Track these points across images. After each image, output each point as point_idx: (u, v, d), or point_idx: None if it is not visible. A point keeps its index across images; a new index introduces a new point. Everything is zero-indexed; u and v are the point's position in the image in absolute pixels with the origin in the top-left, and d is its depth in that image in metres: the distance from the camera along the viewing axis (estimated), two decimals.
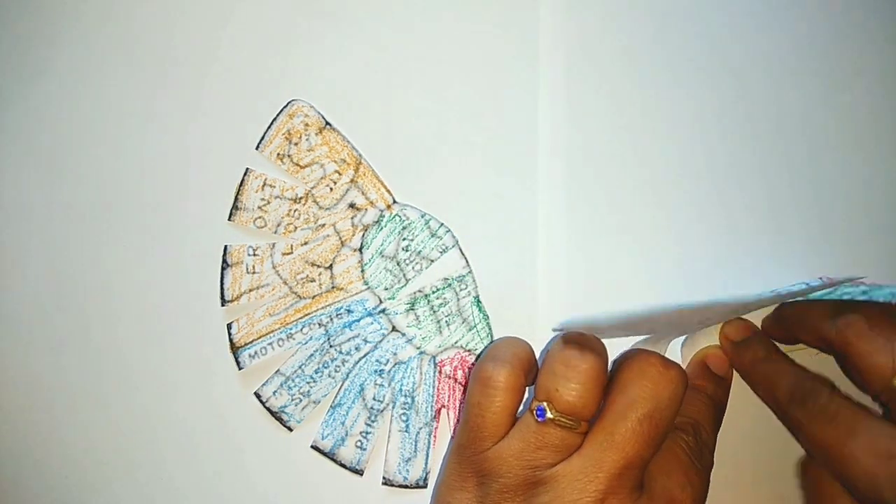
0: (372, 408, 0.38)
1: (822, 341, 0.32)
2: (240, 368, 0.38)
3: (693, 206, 0.39)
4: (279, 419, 0.38)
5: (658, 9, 0.38)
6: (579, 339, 0.31)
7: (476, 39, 0.38)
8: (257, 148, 0.38)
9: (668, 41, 0.38)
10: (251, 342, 0.38)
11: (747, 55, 0.38)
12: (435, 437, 0.37)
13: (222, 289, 0.38)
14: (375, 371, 0.38)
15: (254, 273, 0.38)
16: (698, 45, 0.38)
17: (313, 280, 0.38)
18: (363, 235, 0.38)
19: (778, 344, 0.35)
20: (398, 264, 0.38)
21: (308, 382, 0.38)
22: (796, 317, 0.33)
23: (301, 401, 0.38)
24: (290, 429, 0.38)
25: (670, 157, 0.39)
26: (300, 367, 0.38)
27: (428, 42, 0.39)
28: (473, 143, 0.38)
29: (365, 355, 0.38)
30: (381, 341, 0.38)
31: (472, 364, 0.37)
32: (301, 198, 0.38)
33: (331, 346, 0.38)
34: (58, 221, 0.38)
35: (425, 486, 0.37)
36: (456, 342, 0.38)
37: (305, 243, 0.38)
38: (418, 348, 0.38)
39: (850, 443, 0.29)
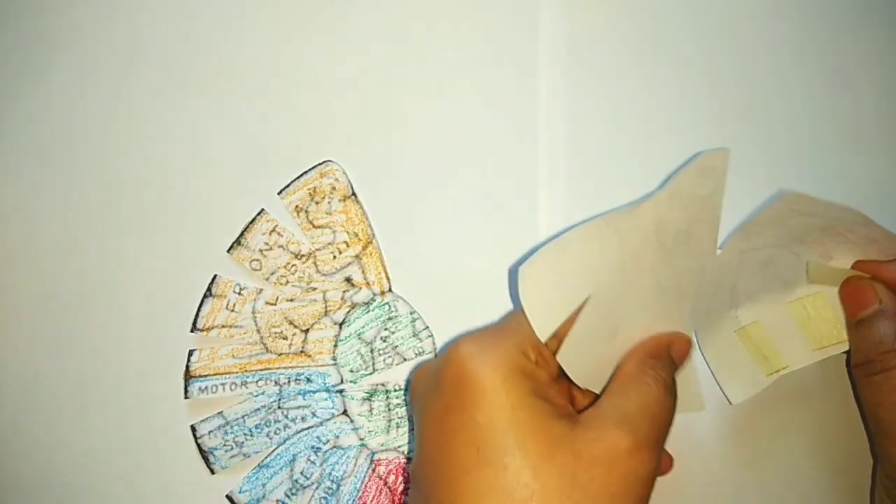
0: (296, 481, 0.37)
1: None
2: (185, 397, 0.37)
3: None
4: (205, 459, 0.37)
5: (658, 9, 0.38)
6: None
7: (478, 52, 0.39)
8: (279, 193, 0.38)
9: (667, 41, 0.38)
10: (206, 376, 0.37)
11: (748, 54, 0.38)
12: None
13: (197, 315, 0.38)
14: (312, 447, 0.37)
15: (232, 311, 0.38)
16: (698, 44, 0.38)
17: (286, 338, 0.38)
18: (349, 312, 0.38)
19: None
20: (371, 351, 0.38)
21: (245, 434, 0.37)
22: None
23: (232, 449, 0.37)
24: (212, 471, 0.37)
25: (670, 157, 0.38)
26: (243, 417, 0.37)
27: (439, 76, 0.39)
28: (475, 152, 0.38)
29: (308, 428, 0.37)
30: (328, 420, 0.38)
31: None
32: (303, 255, 0.38)
33: (279, 408, 0.37)
34: (58, 221, 0.38)
35: None
36: (399, 446, 0.37)
37: (291, 300, 0.38)
38: (361, 440, 0.37)
39: None
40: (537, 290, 0.29)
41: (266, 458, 0.37)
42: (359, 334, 0.38)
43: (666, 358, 0.31)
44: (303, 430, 0.37)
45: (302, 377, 0.38)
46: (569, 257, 0.30)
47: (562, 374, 0.31)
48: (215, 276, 0.38)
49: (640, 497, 0.27)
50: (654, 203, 0.31)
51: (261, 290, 0.38)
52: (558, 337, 0.30)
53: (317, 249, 0.38)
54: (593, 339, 0.31)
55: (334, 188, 0.38)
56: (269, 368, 0.38)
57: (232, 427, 0.37)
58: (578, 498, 0.26)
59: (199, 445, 0.37)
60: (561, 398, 0.29)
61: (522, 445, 0.26)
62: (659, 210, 0.31)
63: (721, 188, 0.32)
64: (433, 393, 0.29)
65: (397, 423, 0.37)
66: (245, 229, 0.38)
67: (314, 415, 0.37)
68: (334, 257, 0.38)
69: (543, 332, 0.29)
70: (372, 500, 0.37)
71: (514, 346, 0.29)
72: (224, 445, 0.37)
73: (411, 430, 0.37)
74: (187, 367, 0.37)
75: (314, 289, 0.38)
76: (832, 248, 0.34)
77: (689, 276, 0.33)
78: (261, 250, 0.38)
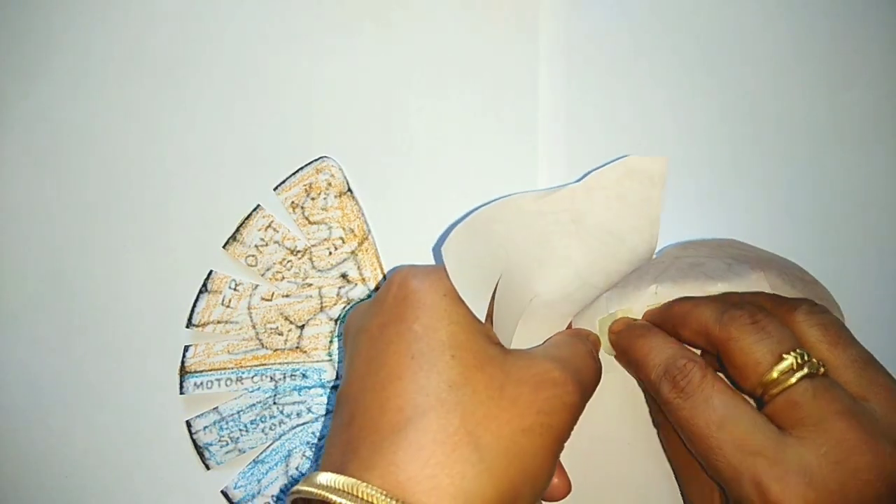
0: (292, 476, 0.37)
1: (705, 339, 0.31)
2: (181, 393, 0.37)
3: (693, 206, 0.38)
4: (200, 454, 0.37)
5: (657, 9, 0.38)
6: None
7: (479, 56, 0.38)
8: (275, 189, 0.38)
9: (667, 41, 0.38)
10: (201, 371, 0.37)
11: (747, 55, 0.38)
12: None
13: (192, 311, 0.38)
14: (308, 443, 0.37)
15: (228, 306, 0.38)
16: (698, 45, 0.38)
17: (281, 334, 0.38)
18: (344, 308, 0.38)
19: None
20: None
21: (241, 430, 0.37)
22: (684, 313, 0.32)
23: (227, 444, 0.37)
24: (207, 467, 0.37)
25: (670, 157, 0.38)
26: (238, 413, 0.37)
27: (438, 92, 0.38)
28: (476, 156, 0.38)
29: (303, 424, 0.37)
30: (324, 415, 0.38)
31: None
32: (299, 251, 0.38)
33: (274, 404, 0.37)
34: (58, 221, 0.38)
35: None
36: None
37: (287, 296, 0.38)
38: None
39: (718, 433, 0.28)
40: (461, 271, 0.29)
41: (261, 453, 0.37)
42: None
43: (589, 335, 0.33)
44: (298, 425, 0.37)
45: (297, 373, 0.38)
46: (480, 238, 0.30)
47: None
48: (211, 272, 0.38)
49: (564, 422, 0.28)
50: (569, 193, 0.31)
51: (256, 285, 0.38)
52: None
53: (312, 245, 0.38)
54: (509, 319, 0.31)
55: (330, 184, 0.38)
56: (265, 364, 0.38)
57: (227, 423, 0.37)
58: (507, 406, 0.27)
59: (194, 441, 0.37)
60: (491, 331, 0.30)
61: (456, 356, 0.27)
62: (575, 201, 0.31)
63: (657, 197, 0.32)
64: (371, 315, 0.29)
65: None
66: (241, 225, 0.38)
67: (309, 410, 0.38)
68: (330, 253, 0.38)
69: (479, 312, 0.29)
70: None
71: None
72: (219, 441, 0.37)
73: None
74: (183, 362, 0.37)
75: (310, 285, 0.38)
76: (763, 266, 0.35)
77: (617, 276, 0.33)
78: (256, 246, 0.38)
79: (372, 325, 0.29)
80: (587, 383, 0.30)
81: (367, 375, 0.28)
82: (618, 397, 0.35)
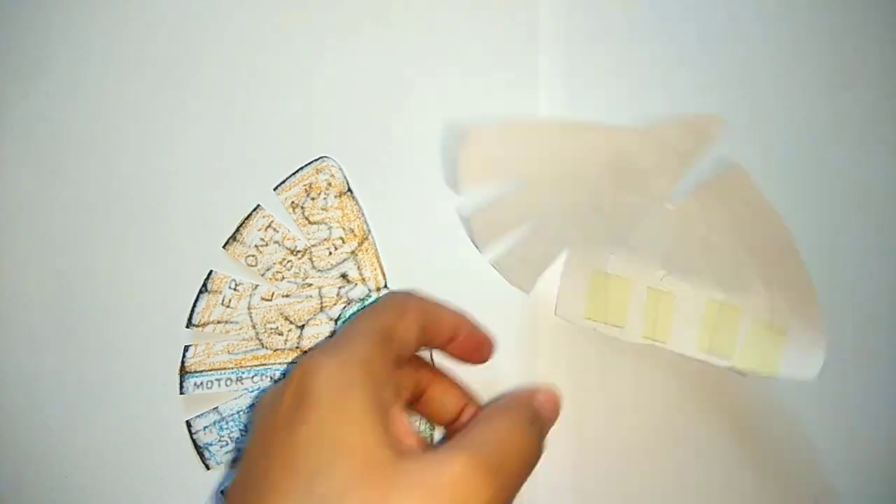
0: None
1: None
2: (181, 393, 0.37)
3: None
4: (200, 454, 0.37)
5: (657, 9, 0.38)
6: None
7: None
8: (275, 189, 0.38)
9: (667, 41, 0.38)
10: (201, 371, 0.37)
11: (747, 54, 0.38)
12: None
13: (192, 311, 0.38)
14: None
15: (228, 307, 0.38)
16: (697, 45, 0.38)
17: (281, 334, 0.38)
18: (344, 308, 0.38)
19: None
20: None
21: (241, 430, 0.37)
22: None
23: (227, 444, 0.37)
24: (207, 467, 0.37)
25: None
26: (238, 413, 0.37)
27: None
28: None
29: None
30: None
31: None
32: (299, 251, 0.38)
33: None
34: (58, 221, 0.38)
35: None
36: None
37: (287, 296, 0.38)
38: None
39: None
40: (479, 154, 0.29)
41: None
42: None
43: (535, 396, 0.32)
44: None
45: None
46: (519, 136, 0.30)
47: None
48: (211, 272, 0.38)
49: None
50: (628, 134, 0.31)
51: (256, 285, 0.38)
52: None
53: (312, 245, 0.38)
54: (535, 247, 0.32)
55: (330, 184, 0.38)
56: (265, 364, 0.38)
57: (227, 423, 0.37)
58: None
59: (194, 441, 0.37)
60: (402, 423, 0.30)
61: (339, 464, 0.25)
62: (628, 142, 0.32)
63: (702, 153, 0.32)
64: (270, 411, 0.29)
65: None
66: (241, 225, 0.38)
67: None
68: (330, 253, 0.38)
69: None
70: None
71: (359, 360, 0.28)
72: (219, 441, 0.37)
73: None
74: (182, 362, 0.37)
75: (310, 285, 0.38)
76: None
77: (630, 208, 0.34)
78: (256, 246, 0.38)
79: (267, 425, 0.28)
80: (512, 470, 0.27)
81: (248, 485, 0.27)
82: (635, 384, 0.36)
